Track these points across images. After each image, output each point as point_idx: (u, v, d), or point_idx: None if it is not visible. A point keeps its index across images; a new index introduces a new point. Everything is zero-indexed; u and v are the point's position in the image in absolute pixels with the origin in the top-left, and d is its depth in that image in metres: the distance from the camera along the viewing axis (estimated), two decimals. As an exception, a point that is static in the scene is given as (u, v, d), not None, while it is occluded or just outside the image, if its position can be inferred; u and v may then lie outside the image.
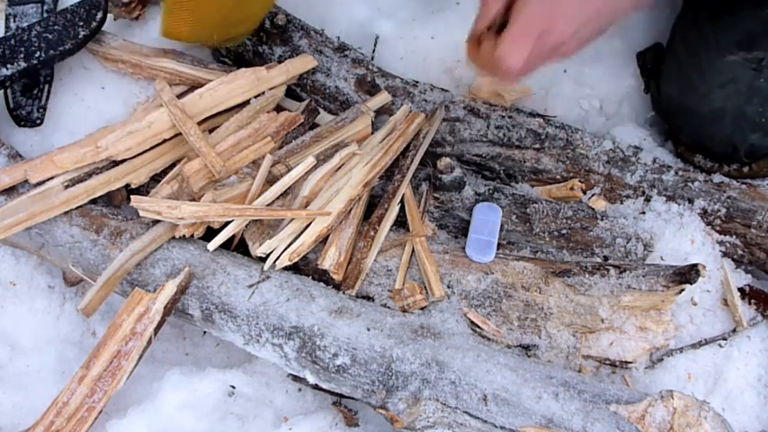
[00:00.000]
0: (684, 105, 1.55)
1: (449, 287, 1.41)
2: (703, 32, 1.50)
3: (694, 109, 1.53)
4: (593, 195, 1.59)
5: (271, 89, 1.59)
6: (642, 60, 1.72)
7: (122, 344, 1.31)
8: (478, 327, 1.37)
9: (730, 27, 1.47)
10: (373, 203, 1.52)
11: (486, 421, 1.23)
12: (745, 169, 1.59)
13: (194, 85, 1.61)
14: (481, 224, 1.48)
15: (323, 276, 1.43)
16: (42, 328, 1.54)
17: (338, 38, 1.74)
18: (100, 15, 1.63)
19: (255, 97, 1.57)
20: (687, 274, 1.34)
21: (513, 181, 1.64)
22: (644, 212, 1.56)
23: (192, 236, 1.45)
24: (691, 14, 1.55)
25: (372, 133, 1.59)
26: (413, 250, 1.45)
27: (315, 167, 1.49)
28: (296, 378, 1.43)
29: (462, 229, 1.53)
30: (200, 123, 1.53)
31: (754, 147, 1.52)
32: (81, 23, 1.61)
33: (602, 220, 1.52)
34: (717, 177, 1.58)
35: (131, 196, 1.40)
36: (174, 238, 1.44)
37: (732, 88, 1.48)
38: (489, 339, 1.37)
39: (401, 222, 1.52)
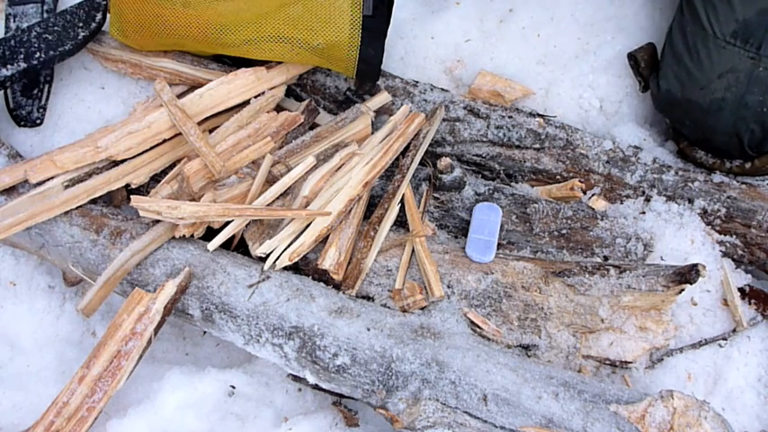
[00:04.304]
0: (685, 98, 1.56)
1: (449, 287, 1.41)
2: (700, 24, 1.52)
3: (695, 101, 1.54)
4: (593, 195, 1.59)
5: (271, 89, 1.59)
6: (634, 60, 1.72)
7: (122, 344, 1.31)
8: (478, 327, 1.37)
9: (726, 17, 1.48)
10: (373, 203, 1.52)
11: (486, 421, 1.23)
12: (748, 165, 1.59)
13: (194, 85, 1.61)
14: (481, 224, 1.48)
15: (323, 276, 1.43)
16: (42, 328, 1.54)
17: (338, 38, 1.74)
18: (99, 16, 1.63)
19: (255, 97, 1.57)
20: (687, 274, 1.34)
21: (513, 181, 1.64)
22: (644, 212, 1.56)
23: (192, 236, 1.45)
24: (688, 7, 1.56)
25: (372, 133, 1.59)
26: (413, 250, 1.45)
27: (315, 167, 1.49)
28: (296, 378, 1.43)
29: (462, 229, 1.53)
30: (200, 123, 1.54)
31: (757, 137, 1.52)
32: (81, 24, 1.61)
33: (602, 220, 1.52)
34: (717, 177, 1.58)
35: (131, 196, 1.40)
36: (174, 238, 1.44)
37: (731, 78, 1.49)
38: (489, 339, 1.37)
39: (401, 222, 1.52)
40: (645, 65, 1.70)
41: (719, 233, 1.55)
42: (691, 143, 1.63)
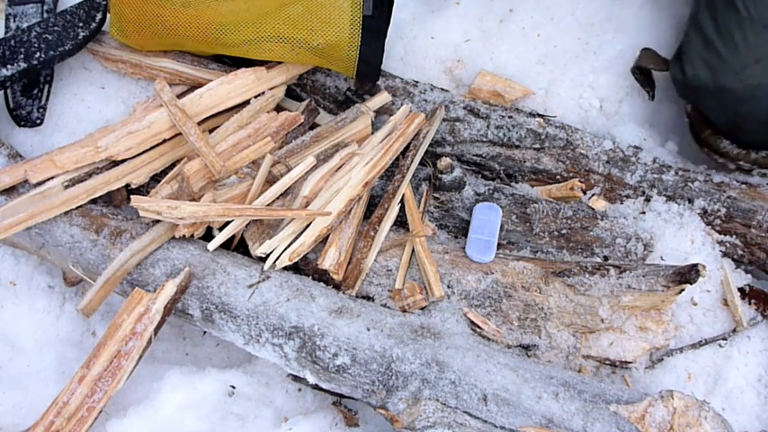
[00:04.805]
0: (716, 84, 1.49)
1: (449, 287, 1.41)
2: (734, 7, 1.47)
3: (728, 87, 1.47)
4: (593, 195, 1.59)
5: (271, 89, 1.59)
6: (640, 71, 1.67)
7: (122, 344, 1.31)
8: (478, 327, 1.37)
9: (764, 0, 1.42)
10: (373, 203, 1.52)
11: (486, 421, 1.23)
12: None
13: (194, 85, 1.61)
14: (481, 224, 1.48)
15: (323, 276, 1.43)
16: (42, 328, 1.54)
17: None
18: (99, 16, 1.63)
19: (255, 97, 1.58)
20: (687, 274, 1.34)
21: (513, 181, 1.64)
22: (644, 212, 1.56)
23: (192, 236, 1.45)
24: None
25: (372, 133, 1.59)
26: (413, 250, 1.45)
27: (315, 167, 1.49)
28: (296, 378, 1.43)
29: (462, 229, 1.53)
30: (200, 123, 1.54)
31: None
32: (81, 24, 1.61)
33: (602, 220, 1.52)
34: (717, 177, 1.58)
35: (131, 196, 1.40)
36: (174, 238, 1.44)
37: None
38: (489, 339, 1.37)
39: (401, 222, 1.52)
40: (655, 66, 1.65)
41: (719, 233, 1.55)
42: (715, 132, 1.58)
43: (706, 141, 1.60)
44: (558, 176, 1.62)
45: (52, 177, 1.47)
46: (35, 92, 1.65)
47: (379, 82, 1.68)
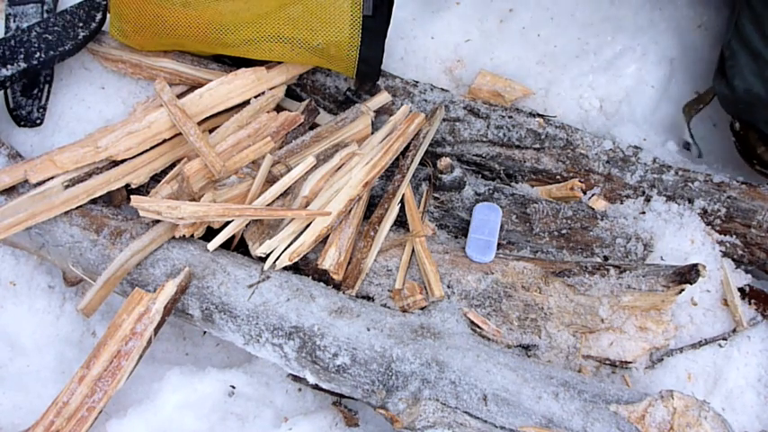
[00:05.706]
0: None
1: (449, 287, 1.41)
2: None
3: None
4: (593, 195, 1.59)
5: (271, 89, 1.59)
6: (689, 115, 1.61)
7: (122, 344, 1.31)
8: (478, 327, 1.37)
9: None
10: (373, 203, 1.52)
11: (486, 421, 1.23)
12: None
13: (194, 85, 1.61)
14: (481, 224, 1.48)
15: (323, 276, 1.43)
16: (42, 328, 1.54)
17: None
18: (99, 16, 1.63)
19: (255, 97, 1.58)
20: (687, 274, 1.34)
21: (513, 181, 1.64)
22: (644, 212, 1.56)
23: (192, 236, 1.45)
24: (763, 1, 1.46)
25: (372, 133, 1.59)
26: (413, 250, 1.45)
27: (315, 167, 1.49)
28: (296, 378, 1.43)
29: (462, 229, 1.53)
30: (200, 123, 1.54)
31: None
32: (81, 24, 1.61)
33: (602, 220, 1.52)
34: (717, 177, 1.58)
35: (131, 196, 1.40)
36: (174, 238, 1.44)
37: None
38: (489, 339, 1.37)
39: (401, 222, 1.52)
40: (703, 102, 1.58)
41: (719, 233, 1.55)
42: None
43: (761, 158, 1.58)
44: (558, 176, 1.62)
45: (52, 177, 1.47)
46: (35, 92, 1.65)
47: (379, 82, 1.68)
